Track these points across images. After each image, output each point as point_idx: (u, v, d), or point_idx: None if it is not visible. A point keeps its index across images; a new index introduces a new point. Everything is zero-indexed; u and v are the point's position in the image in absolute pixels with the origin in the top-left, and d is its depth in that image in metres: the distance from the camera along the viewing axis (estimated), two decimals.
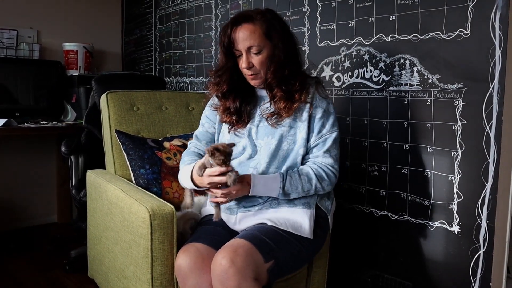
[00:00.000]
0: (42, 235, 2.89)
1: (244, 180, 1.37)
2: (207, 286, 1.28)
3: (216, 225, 1.46)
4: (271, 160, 1.44)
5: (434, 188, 1.61)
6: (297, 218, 1.41)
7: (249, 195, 1.39)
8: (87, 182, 1.92)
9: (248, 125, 1.50)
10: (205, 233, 1.42)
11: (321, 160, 1.44)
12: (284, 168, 1.44)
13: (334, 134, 1.45)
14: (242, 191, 1.37)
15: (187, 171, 1.45)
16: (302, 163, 1.46)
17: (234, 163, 1.49)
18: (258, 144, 1.47)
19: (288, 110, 1.42)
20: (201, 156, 1.56)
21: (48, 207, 3.15)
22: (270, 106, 1.47)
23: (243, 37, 1.40)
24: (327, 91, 1.93)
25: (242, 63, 1.43)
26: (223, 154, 1.29)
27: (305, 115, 1.44)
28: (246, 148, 1.49)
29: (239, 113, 1.50)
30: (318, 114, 1.45)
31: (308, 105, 1.44)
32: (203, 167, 1.34)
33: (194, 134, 1.65)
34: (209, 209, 1.56)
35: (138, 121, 1.93)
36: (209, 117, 1.61)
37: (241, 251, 1.23)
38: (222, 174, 1.32)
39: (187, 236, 1.46)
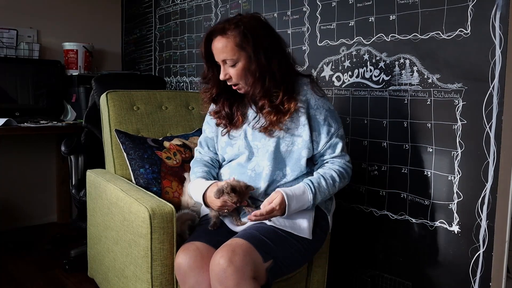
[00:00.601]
0: (42, 235, 2.88)
1: (277, 199, 1.34)
2: (206, 285, 1.28)
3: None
4: (273, 163, 1.44)
5: (434, 188, 1.61)
6: (297, 218, 1.41)
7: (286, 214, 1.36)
8: (87, 182, 1.92)
9: (243, 127, 1.50)
10: (204, 232, 1.43)
11: (340, 159, 1.47)
12: (288, 170, 1.44)
13: (341, 131, 1.49)
14: (279, 211, 1.34)
15: (201, 186, 1.44)
16: (311, 164, 1.48)
17: (232, 164, 1.50)
18: (255, 146, 1.47)
19: (278, 123, 1.42)
20: (209, 165, 1.57)
21: (48, 207, 3.15)
22: (259, 119, 1.46)
23: (218, 49, 1.39)
24: (327, 90, 1.94)
25: (221, 75, 1.43)
26: (238, 195, 1.34)
27: (302, 118, 1.44)
28: (243, 151, 1.49)
29: (230, 116, 1.52)
30: (322, 115, 1.45)
31: (302, 108, 1.44)
32: (221, 193, 1.35)
33: (198, 140, 1.68)
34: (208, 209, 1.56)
35: (138, 120, 1.93)
36: (209, 123, 1.63)
37: (239, 251, 1.23)
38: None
39: (185, 236, 1.46)
